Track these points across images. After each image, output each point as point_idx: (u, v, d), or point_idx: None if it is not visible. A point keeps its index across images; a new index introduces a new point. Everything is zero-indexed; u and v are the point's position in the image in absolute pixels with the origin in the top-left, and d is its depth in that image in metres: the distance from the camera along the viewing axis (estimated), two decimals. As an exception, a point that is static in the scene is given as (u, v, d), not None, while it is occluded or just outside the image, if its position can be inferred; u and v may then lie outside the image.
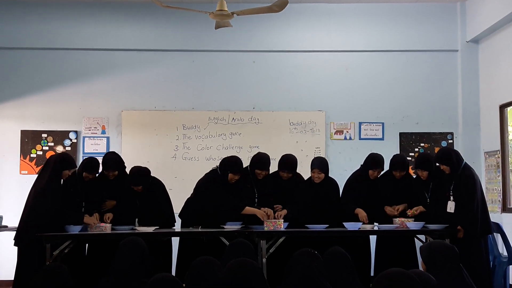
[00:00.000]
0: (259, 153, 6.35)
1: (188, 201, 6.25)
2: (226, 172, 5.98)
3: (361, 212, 6.08)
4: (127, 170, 6.13)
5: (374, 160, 6.26)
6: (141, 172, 6.04)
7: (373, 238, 6.40)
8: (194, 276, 3.49)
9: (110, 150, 8.17)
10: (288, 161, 6.20)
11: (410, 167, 6.66)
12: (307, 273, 3.30)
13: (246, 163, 6.23)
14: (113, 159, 6.08)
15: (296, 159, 6.25)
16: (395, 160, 6.32)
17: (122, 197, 6.03)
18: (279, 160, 6.24)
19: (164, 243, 5.97)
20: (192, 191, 6.24)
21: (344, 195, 6.29)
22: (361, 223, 5.92)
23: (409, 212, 6.00)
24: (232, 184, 6.04)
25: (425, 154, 6.66)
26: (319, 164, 6.20)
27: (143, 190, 5.99)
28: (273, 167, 6.28)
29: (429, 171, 6.02)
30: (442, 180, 5.99)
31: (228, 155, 6.31)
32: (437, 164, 6.00)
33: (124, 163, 6.16)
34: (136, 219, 5.99)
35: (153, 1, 6.07)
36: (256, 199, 6.13)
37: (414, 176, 6.44)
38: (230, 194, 5.96)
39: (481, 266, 5.68)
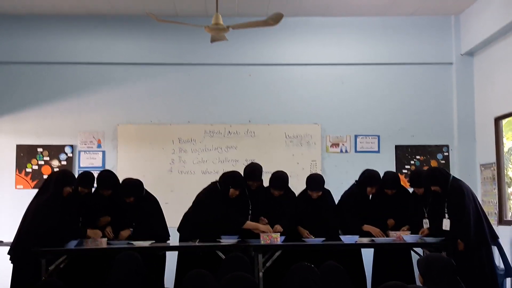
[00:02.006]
0: (251, 164, 6.37)
1: (186, 215, 6.23)
2: (228, 187, 5.99)
3: (373, 229, 6.09)
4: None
5: (371, 177, 6.27)
6: (132, 184, 6.04)
7: (368, 252, 6.39)
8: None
9: (106, 164, 8.20)
10: (279, 179, 6.21)
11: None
12: (303, 286, 3.29)
13: (242, 176, 6.22)
14: (107, 178, 6.07)
15: (287, 176, 6.26)
16: (385, 178, 6.35)
17: (117, 212, 6.02)
18: (270, 178, 6.25)
19: (157, 257, 5.95)
20: (188, 205, 6.22)
21: (345, 213, 6.27)
22: (358, 236, 5.91)
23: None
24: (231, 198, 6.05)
25: (416, 171, 6.63)
26: (316, 185, 6.22)
27: (135, 201, 5.97)
28: (268, 181, 6.28)
29: (424, 187, 6.05)
30: (438, 195, 6.01)
31: (229, 170, 6.32)
32: (428, 186, 6.04)
33: (119, 181, 6.15)
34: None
35: (149, 15, 6.09)
36: (250, 211, 6.11)
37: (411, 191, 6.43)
38: (229, 207, 5.95)
39: (484, 278, 5.67)
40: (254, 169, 6.20)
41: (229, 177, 6.08)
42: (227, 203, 5.97)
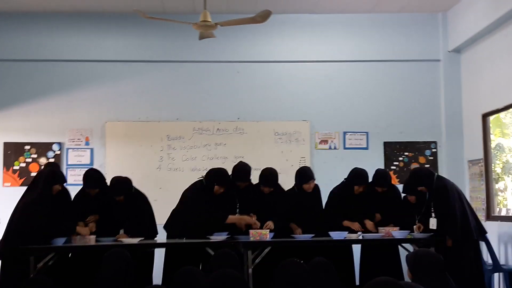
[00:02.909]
0: (239, 163, 6.31)
1: (173, 213, 6.22)
2: (213, 184, 5.98)
3: (353, 224, 6.11)
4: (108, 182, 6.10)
5: (359, 176, 6.29)
6: (121, 183, 6.02)
7: (355, 248, 6.42)
8: (178, 286, 3.48)
9: (94, 161, 8.18)
10: (269, 176, 6.19)
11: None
12: (293, 282, 3.29)
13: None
14: (93, 177, 6.03)
15: (277, 173, 6.25)
16: (376, 176, 6.38)
17: (105, 209, 6.00)
18: (260, 174, 6.24)
19: (146, 254, 5.94)
20: (177, 202, 6.21)
21: (329, 209, 6.30)
22: (347, 232, 5.93)
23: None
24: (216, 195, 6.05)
25: (407, 180, 6.61)
26: (308, 176, 6.25)
27: (125, 200, 5.96)
28: (257, 178, 6.28)
29: (416, 195, 6.08)
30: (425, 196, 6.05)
31: (215, 167, 6.30)
32: (413, 189, 6.07)
33: (105, 179, 6.12)
34: (121, 230, 5.96)
35: (137, 12, 6.07)
36: (237, 209, 6.11)
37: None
38: (214, 204, 5.94)
39: (471, 274, 5.70)
40: (242, 170, 6.17)
41: (214, 174, 6.07)
42: (213, 200, 5.96)
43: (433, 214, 5.92)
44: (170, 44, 8.42)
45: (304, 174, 6.29)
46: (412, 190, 6.09)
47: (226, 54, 8.45)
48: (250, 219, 5.94)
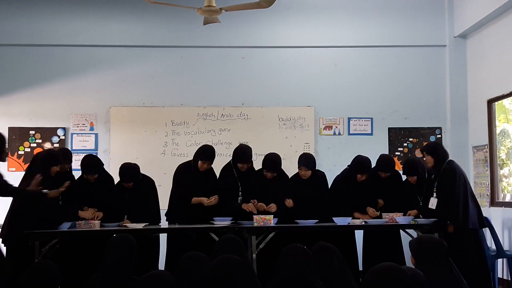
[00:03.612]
0: (240, 145, 6.34)
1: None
2: (197, 161, 6.02)
3: (363, 217, 6.09)
4: (113, 168, 6.11)
5: (361, 165, 6.26)
6: (131, 169, 6.03)
7: (358, 233, 6.41)
8: (182, 271, 3.50)
9: (99, 146, 8.20)
10: (272, 161, 6.16)
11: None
12: (296, 268, 3.30)
13: (235, 159, 6.22)
14: (91, 163, 6.02)
15: (280, 158, 6.22)
16: (380, 161, 6.36)
17: (111, 194, 6.01)
18: (263, 159, 6.22)
19: (152, 239, 5.97)
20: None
21: (333, 197, 6.28)
22: (351, 218, 5.93)
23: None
24: (218, 179, 6.13)
25: (410, 159, 6.63)
26: (305, 161, 6.21)
27: (134, 186, 5.98)
28: (260, 164, 6.27)
29: (417, 175, 6.07)
30: (430, 174, 6.05)
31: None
32: (423, 152, 6.08)
33: (103, 164, 6.13)
34: (125, 216, 5.98)
35: (141, -4, 6.04)
36: (240, 193, 6.12)
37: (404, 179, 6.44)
38: (198, 184, 5.99)
39: (476, 259, 5.70)
40: (243, 151, 6.17)
41: (198, 150, 6.15)
42: (199, 180, 6.02)
43: (434, 194, 5.91)
44: (175, 29, 8.40)
45: (299, 159, 6.29)
46: (416, 170, 6.08)
47: (231, 39, 8.42)
48: (209, 201, 5.94)
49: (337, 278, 3.56)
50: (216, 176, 6.25)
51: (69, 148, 8.09)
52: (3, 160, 5.33)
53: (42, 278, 3.56)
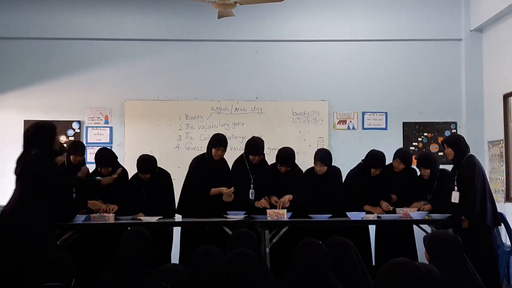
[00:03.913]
0: (252, 137, 6.34)
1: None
2: (210, 150, 6.04)
3: (374, 209, 6.07)
4: (128, 161, 6.13)
5: (375, 159, 6.22)
6: (149, 161, 6.06)
7: (371, 228, 6.39)
8: (196, 265, 3.51)
9: (113, 140, 8.24)
10: (286, 155, 6.14)
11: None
12: (312, 263, 3.29)
13: (249, 153, 6.21)
14: (106, 156, 6.05)
15: (294, 152, 6.20)
16: (397, 152, 6.33)
17: (127, 186, 6.03)
18: (277, 154, 6.20)
19: (165, 233, 5.99)
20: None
21: (347, 192, 6.26)
22: (364, 212, 5.91)
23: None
24: (231, 172, 6.12)
25: (425, 153, 6.62)
26: (322, 156, 6.19)
27: (150, 178, 6.00)
28: (274, 158, 6.27)
29: (431, 169, 6.03)
30: (445, 179, 6.00)
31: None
32: (443, 144, 6.04)
33: (117, 157, 6.16)
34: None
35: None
36: (252, 185, 6.12)
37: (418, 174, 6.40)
38: (218, 176, 6.02)
39: (487, 257, 5.66)
40: (255, 143, 6.18)
41: (209, 140, 6.18)
42: (214, 171, 6.02)
43: (455, 188, 5.85)
44: (189, 23, 8.41)
45: (316, 153, 6.28)
46: (432, 164, 6.05)
47: (245, 33, 8.42)
48: (228, 191, 5.94)
49: (358, 273, 3.54)
50: (229, 168, 6.25)
51: (84, 142, 8.15)
52: (56, 152, 5.32)
53: (57, 270, 3.59)
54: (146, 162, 6.03)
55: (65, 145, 6.50)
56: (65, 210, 5.36)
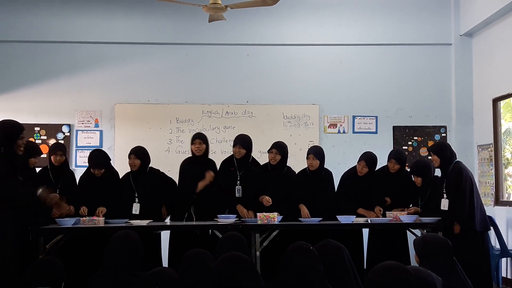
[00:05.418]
0: (239, 134, 6.36)
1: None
2: (191, 145, 6.09)
3: (368, 213, 6.09)
4: (118, 164, 6.11)
5: (366, 157, 6.24)
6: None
7: (363, 232, 6.40)
8: (186, 268, 3.49)
9: (103, 143, 8.21)
10: (277, 142, 6.20)
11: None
12: (301, 271, 3.26)
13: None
14: (99, 157, 6.00)
15: (286, 144, 6.25)
16: (392, 152, 6.36)
17: (117, 189, 6.01)
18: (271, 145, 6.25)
19: (154, 235, 5.96)
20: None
21: (341, 195, 6.26)
22: (354, 216, 5.91)
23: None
24: (219, 170, 6.12)
25: (421, 161, 6.63)
26: (315, 150, 6.23)
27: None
28: (263, 160, 6.27)
29: (423, 177, 6.04)
30: (437, 186, 6.01)
31: None
32: (429, 152, 6.05)
33: (110, 159, 6.13)
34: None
35: (146, -7, 6.04)
36: (238, 181, 6.10)
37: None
38: (203, 172, 5.99)
39: (479, 262, 5.66)
40: (241, 136, 6.22)
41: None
42: (198, 169, 6.00)
43: (444, 195, 5.87)
44: (180, 27, 8.40)
45: (309, 149, 6.31)
46: (425, 173, 6.06)
47: (236, 37, 8.43)
48: (207, 179, 5.94)
49: (350, 278, 3.53)
50: (216, 167, 6.22)
51: (74, 145, 8.13)
52: (17, 153, 4.93)
53: (46, 274, 3.56)
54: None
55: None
56: (27, 215, 5.24)
